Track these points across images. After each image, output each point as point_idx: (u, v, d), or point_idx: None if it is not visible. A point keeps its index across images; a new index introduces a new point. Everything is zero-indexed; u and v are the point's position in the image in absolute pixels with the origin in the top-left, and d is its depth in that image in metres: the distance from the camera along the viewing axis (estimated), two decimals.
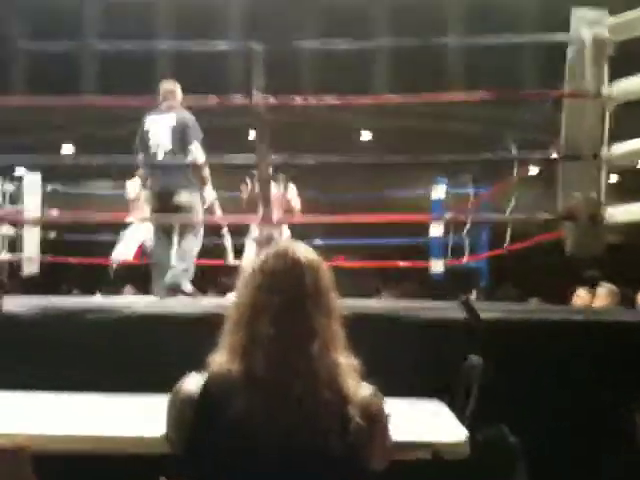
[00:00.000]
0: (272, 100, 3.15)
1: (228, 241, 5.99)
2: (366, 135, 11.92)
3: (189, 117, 4.54)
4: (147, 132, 4.56)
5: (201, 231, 4.59)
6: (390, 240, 6.79)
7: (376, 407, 1.38)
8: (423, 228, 6.82)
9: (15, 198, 6.42)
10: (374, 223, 3.72)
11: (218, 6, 10.03)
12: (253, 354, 1.33)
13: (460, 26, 9.86)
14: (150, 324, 2.41)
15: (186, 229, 4.48)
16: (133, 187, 5.90)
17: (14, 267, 6.40)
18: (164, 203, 4.46)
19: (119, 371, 2.28)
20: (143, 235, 5.80)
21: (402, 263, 6.74)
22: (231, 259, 6.10)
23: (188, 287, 4.36)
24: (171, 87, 4.67)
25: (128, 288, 6.32)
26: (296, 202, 5.98)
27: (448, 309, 2.54)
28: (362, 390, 1.37)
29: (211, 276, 7.49)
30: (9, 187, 6.63)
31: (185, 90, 4.69)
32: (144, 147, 4.53)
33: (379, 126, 10.90)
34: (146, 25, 9.20)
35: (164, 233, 4.63)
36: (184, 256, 4.46)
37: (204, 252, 5.02)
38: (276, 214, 5.09)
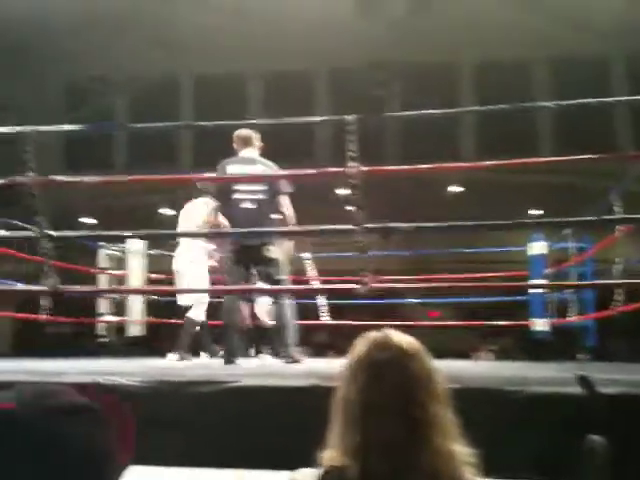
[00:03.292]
0: (366, 169, 3.13)
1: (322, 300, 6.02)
2: (457, 187, 11.72)
3: (277, 169, 4.29)
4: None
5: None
6: (487, 298, 6.59)
7: None
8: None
9: (120, 262, 6.49)
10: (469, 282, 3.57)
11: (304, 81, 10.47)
12: (370, 454, 1.27)
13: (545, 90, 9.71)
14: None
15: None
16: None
17: (120, 329, 6.56)
18: (254, 256, 4.25)
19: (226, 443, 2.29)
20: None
21: (502, 322, 6.50)
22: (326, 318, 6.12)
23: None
24: (250, 134, 4.39)
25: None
26: None
27: (562, 382, 2.39)
28: None
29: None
30: (115, 251, 6.69)
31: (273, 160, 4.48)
32: (225, 196, 4.26)
33: (471, 177, 10.69)
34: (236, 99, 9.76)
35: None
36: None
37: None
38: None
